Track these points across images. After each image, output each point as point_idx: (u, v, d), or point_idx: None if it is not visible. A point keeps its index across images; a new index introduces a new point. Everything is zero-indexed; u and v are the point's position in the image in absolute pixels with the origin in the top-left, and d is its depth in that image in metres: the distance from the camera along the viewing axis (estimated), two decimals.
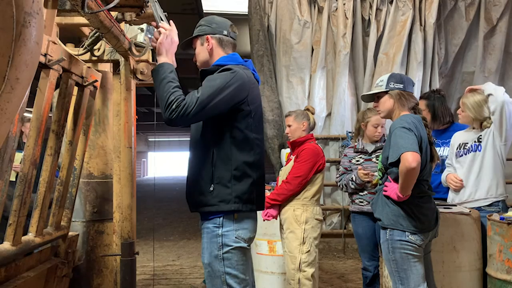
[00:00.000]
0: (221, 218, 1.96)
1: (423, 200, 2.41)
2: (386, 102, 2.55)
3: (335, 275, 4.70)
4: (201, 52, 2.13)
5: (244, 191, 1.97)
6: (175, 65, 2.09)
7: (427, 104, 3.55)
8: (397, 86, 2.50)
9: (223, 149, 1.97)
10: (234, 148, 1.97)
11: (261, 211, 2.13)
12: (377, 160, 3.27)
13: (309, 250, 3.10)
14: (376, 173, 3.24)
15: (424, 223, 2.38)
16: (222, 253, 1.94)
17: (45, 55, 1.75)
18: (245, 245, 1.99)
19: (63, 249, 2.43)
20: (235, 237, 1.96)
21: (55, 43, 1.84)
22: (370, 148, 3.44)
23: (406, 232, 2.36)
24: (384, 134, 3.43)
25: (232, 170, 1.96)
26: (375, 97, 2.60)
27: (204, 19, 2.18)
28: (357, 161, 3.45)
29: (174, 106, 1.81)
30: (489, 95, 2.90)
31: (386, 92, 2.54)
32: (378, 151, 3.37)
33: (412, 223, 2.37)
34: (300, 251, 3.09)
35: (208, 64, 2.11)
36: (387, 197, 2.43)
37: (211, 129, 1.99)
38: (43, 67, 1.81)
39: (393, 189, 2.39)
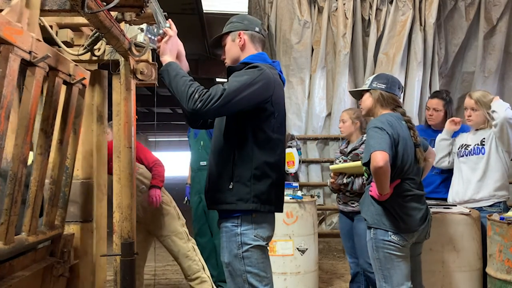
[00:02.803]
0: (240, 217, 1.96)
1: (407, 200, 2.40)
2: (366, 101, 2.60)
3: (335, 275, 4.70)
4: (232, 48, 2.12)
5: (263, 191, 1.97)
6: (187, 66, 2.10)
7: (445, 104, 3.48)
8: (379, 86, 2.54)
9: (245, 148, 1.97)
10: (256, 148, 1.97)
11: (279, 212, 2.14)
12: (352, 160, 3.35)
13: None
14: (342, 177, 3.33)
15: (407, 223, 2.37)
16: (242, 252, 1.95)
17: (29, 52, 1.72)
18: (263, 243, 2.00)
19: (58, 249, 2.43)
20: (254, 236, 1.96)
21: (40, 41, 1.83)
22: (350, 148, 3.47)
23: (389, 232, 2.37)
24: (363, 136, 3.45)
25: (252, 169, 1.96)
26: (361, 95, 2.65)
27: (236, 17, 2.19)
28: (340, 161, 3.49)
29: (196, 96, 1.79)
30: (493, 111, 2.91)
31: (368, 91, 2.56)
32: (353, 151, 3.39)
33: (394, 223, 2.37)
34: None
35: (238, 61, 2.10)
36: (372, 196, 2.44)
37: (234, 128, 1.99)
38: (29, 64, 1.78)
39: (375, 188, 2.40)
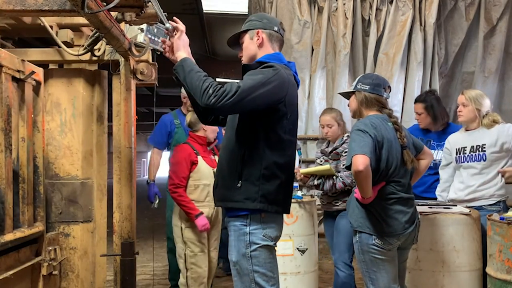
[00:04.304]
0: (249, 217, 1.97)
1: (391, 203, 2.38)
2: (352, 102, 2.61)
3: None
4: (250, 46, 2.12)
5: (270, 191, 1.98)
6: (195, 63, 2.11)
7: (425, 106, 3.54)
8: (363, 88, 2.53)
9: (255, 148, 1.97)
10: (267, 148, 1.97)
11: (286, 214, 2.15)
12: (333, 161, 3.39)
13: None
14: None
15: (391, 226, 2.34)
16: (250, 251, 1.95)
17: None
18: (271, 243, 2.01)
19: (43, 248, 2.43)
20: (263, 236, 1.97)
21: None
22: (331, 148, 3.48)
23: (373, 236, 2.35)
24: (344, 135, 3.45)
25: (262, 169, 1.96)
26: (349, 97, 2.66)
27: (255, 15, 2.21)
28: (321, 161, 3.51)
29: (210, 91, 1.79)
30: None
31: (353, 93, 2.57)
32: (334, 151, 3.41)
33: (378, 226, 2.35)
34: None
35: (255, 59, 2.11)
36: (357, 199, 2.43)
37: (246, 127, 1.99)
38: None
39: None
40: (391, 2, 5.76)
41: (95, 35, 2.56)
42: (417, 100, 3.66)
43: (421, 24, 5.73)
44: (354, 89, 2.57)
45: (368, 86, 2.51)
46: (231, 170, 2.01)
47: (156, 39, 2.47)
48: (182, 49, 2.00)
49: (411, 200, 2.47)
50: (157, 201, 4.12)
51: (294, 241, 3.60)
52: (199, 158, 3.33)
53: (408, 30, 5.67)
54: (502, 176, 2.95)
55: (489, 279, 2.67)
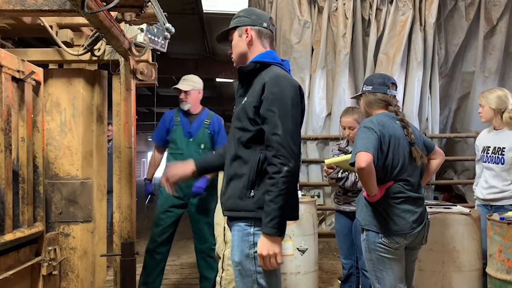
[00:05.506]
0: (254, 219, 1.94)
1: (399, 202, 2.37)
2: (361, 105, 2.64)
3: (335, 275, 4.70)
4: (239, 44, 2.06)
5: None
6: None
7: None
8: (366, 89, 2.59)
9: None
10: None
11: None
12: None
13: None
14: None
15: (398, 225, 2.34)
16: (254, 252, 1.92)
17: None
18: None
19: (43, 248, 2.44)
20: None
21: None
22: (351, 148, 3.47)
23: (380, 234, 2.36)
24: None
25: None
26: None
27: (243, 10, 2.14)
28: None
29: (283, 169, 1.82)
30: None
31: (361, 95, 2.63)
32: None
33: (385, 225, 2.35)
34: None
35: (245, 57, 2.06)
36: (365, 197, 2.43)
37: (259, 137, 1.94)
38: None
39: None
40: (391, 2, 5.76)
41: (95, 35, 2.56)
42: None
43: (421, 24, 5.73)
44: (361, 92, 2.61)
45: (371, 87, 2.55)
46: (243, 179, 1.95)
47: (156, 39, 2.47)
48: (272, 241, 1.87)
49: (420, 200, 2.46)
50: (147, 200, 3.96)
51: (294, 241, 3.60)
52: None
53: (408, 30, 5.67)
54: None
55: (489, 279, 2.67)
